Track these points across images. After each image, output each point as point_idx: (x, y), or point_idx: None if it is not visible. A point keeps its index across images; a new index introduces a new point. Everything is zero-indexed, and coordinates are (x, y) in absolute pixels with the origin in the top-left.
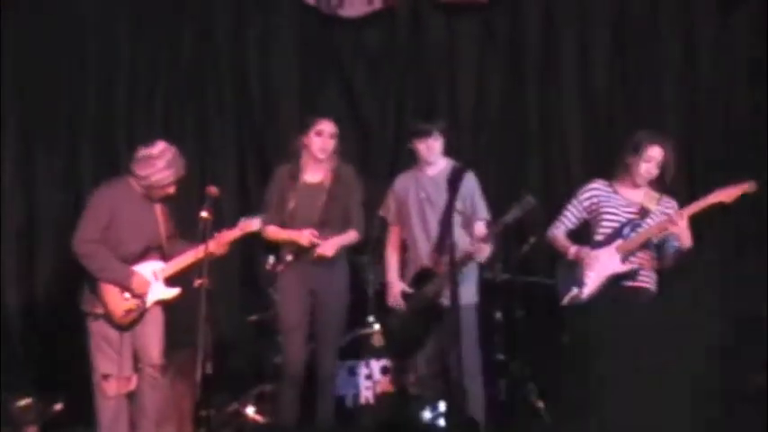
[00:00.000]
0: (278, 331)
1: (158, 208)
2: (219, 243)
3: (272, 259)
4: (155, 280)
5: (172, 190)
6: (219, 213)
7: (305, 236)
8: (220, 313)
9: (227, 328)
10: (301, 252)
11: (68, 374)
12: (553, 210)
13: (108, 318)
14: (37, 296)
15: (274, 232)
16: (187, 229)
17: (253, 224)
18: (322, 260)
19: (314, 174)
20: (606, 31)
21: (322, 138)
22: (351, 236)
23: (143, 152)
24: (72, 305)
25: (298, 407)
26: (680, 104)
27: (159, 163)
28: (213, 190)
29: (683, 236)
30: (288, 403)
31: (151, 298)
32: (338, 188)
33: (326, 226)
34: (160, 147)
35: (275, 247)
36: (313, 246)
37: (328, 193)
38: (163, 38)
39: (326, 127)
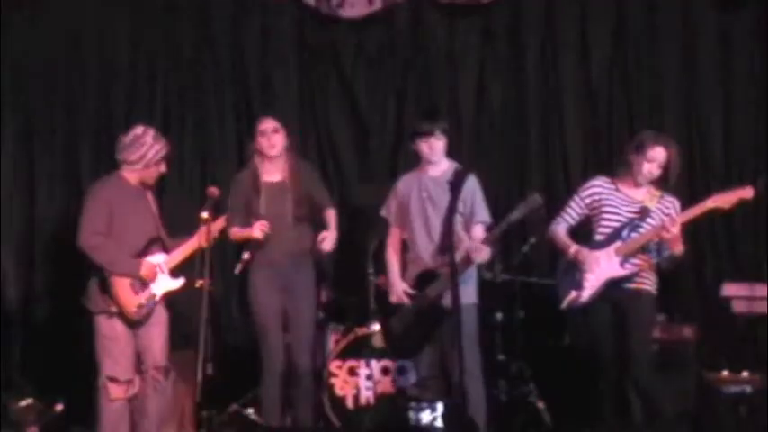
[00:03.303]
0: (255, 331)
1: (151, 200)
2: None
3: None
4: (161, 272)
5: (164, 167)
6: (220, 214)
7: (256, 228)
8: (221, 314)
9: (227, 328)
10: (259, 248)
11: (69, 375)
12: (553, 209)
13: (121, 314)
14: (37, 296)
15: (234, 233)
16: (188, 230)
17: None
18: (292, 258)
19: (273, 174)
20: (606, 31)
21: (266, 136)
22: (332, 217)
23: (128, 138)
24: (73, 305)
25: (281, 404)
26: (680, 104)
27: (147, 139)
28: (213, 191)
29: (674, 242)
30: (272, 401)
31: (160, 289)
32: (302, 185)
33: (301, 223)
34: (139, 127)
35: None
36: (265, 236)
37: (294, 193)
38: (163, 38)
39: (267, 125)
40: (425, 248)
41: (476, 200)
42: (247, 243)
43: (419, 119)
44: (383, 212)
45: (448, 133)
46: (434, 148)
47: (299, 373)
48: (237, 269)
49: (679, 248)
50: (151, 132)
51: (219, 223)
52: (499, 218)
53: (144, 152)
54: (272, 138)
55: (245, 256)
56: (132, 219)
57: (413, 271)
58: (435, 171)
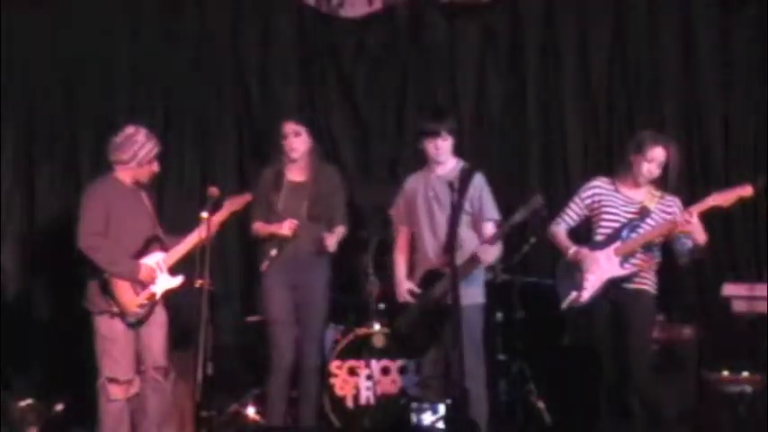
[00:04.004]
0: (266, 326)
1: (146, 199)
2: (211, 226)
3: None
4: (159, 271)
5: (156, 166)
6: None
7: (285, 226)
8: (221, 314)
9: (227, 328)
10: (284, 245)
11: (69, 375)
12: (553, 210)
13: (121, 315)
14: (37, 296)
15: (259, 228)
16: (188, 230)
17: (238, 202)
18: (306, 256)
19: (297, 174)
20: (606, 31)
21: (288, 140)
22: (341, 230)
23: (119, 137)
24: (73, 306)
25: (287, 401)
26: (680, 105)
27: (139, 137)
28: (213, 191)
29: (696, 232)
30: (279, 399)
31: (159, 289)
32: (321, 188)
33: (315, 223)
34: (130, 127)
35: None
36: (294, 235)
37: (312, 193)
38: (163, 38)
39: (289, 128)
40: (431, 248)
41: (483, 198)
42: (271, 239)
43: (426, 118)
44: (391, 211)
45: (455, 133)
46: (441, 148)
47: (305, 371)
48: (264, 266)
49: (702, 238)
50: (143, 131)
51: (220, 216)
52: (502, 220)
53: (136, 150)
54: (293, 141)
55: (273, 253)
56: (129, 219)
57: (419, 270)
58: (442, 170)
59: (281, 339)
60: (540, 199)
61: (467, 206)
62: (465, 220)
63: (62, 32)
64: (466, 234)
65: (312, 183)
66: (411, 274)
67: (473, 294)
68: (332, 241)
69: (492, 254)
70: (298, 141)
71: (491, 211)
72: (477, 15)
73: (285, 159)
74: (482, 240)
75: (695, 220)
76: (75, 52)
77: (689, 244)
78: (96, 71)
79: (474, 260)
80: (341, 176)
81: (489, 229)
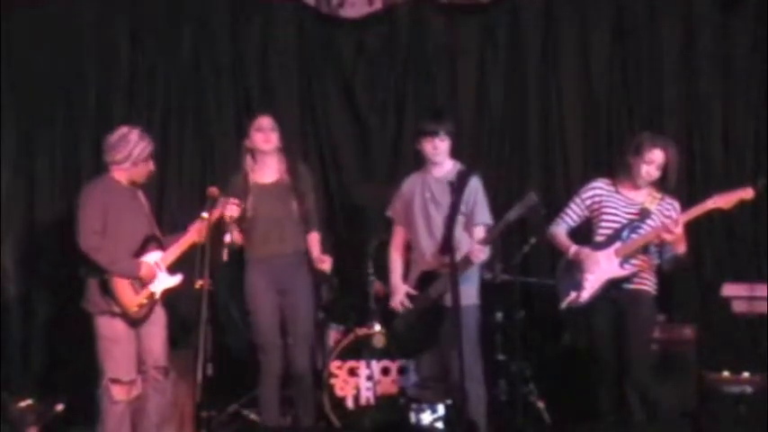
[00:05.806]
0: (254, 333)
1: (143, 199)
2: (203, 228)
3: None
4: (158, 270)
5: (152, 165)
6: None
7: (226, 209)
8: (220, 314)
9: (227, 328)
10: (233, 224)
11: (69, 375)
12: (553, 210)
13: (122, 315)
14: (37, 296)
15: (234, 237)
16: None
17: (231, 204)
18: (288, 258)
19: (267, 175)
20: (606, 31)
21: (262, 132)
22: (317, 237)
23: (113, 138)
24: (73, 306)
25: (280, 405)
26: (680, 104)
27: (132, 137)
28: (213, 191)
29: (677, 243)
30: (270, 402)
31: (159, 287)
32: (300, 186)
33: (296, 223)
34: (124, 127)
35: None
36: (239, 212)
37: (293, 191)
38: (162, 38)
39: (264, 122)
40: (428, 248)
41: (477, 200)
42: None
43: (425, 119)
44: (389, 212)
45: (453, 135)
46: (438, 149)
47: (298, 373)
48: (224, 255)
49: (682, 248)
50: (135, 130)
51: (218, 213)
52: (499, 218)
53: (130, 150)
54: (270, 134)
55: (228, 239)
56: (126, 218)
57: (416, 271)
58: (439, 171)
59: (269, 343)
60: (533, 196)
61: (462, 207)
62: (460, 221)
63: (62, 32)
64: (461, 235)
65: (292, 182)
66: (406, 274)
67: (468, 295)
68: (329, 265)
69: (482, 254)
70: (273, 135)
71: (483, 215)
72: (477, 15)
73: (253, 160)
74: (472, 242)
75: (679, 230)
76: (74, 52)
77: (670, 253)
78: (96, 71)
79: (466, 261)
80: (311, 173)
81: (479, 232)
